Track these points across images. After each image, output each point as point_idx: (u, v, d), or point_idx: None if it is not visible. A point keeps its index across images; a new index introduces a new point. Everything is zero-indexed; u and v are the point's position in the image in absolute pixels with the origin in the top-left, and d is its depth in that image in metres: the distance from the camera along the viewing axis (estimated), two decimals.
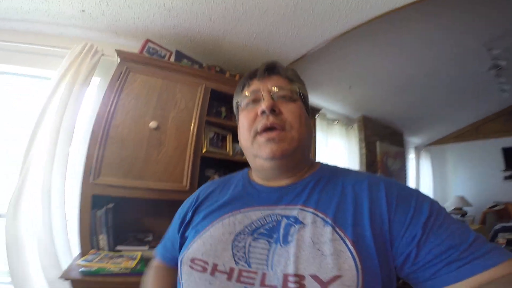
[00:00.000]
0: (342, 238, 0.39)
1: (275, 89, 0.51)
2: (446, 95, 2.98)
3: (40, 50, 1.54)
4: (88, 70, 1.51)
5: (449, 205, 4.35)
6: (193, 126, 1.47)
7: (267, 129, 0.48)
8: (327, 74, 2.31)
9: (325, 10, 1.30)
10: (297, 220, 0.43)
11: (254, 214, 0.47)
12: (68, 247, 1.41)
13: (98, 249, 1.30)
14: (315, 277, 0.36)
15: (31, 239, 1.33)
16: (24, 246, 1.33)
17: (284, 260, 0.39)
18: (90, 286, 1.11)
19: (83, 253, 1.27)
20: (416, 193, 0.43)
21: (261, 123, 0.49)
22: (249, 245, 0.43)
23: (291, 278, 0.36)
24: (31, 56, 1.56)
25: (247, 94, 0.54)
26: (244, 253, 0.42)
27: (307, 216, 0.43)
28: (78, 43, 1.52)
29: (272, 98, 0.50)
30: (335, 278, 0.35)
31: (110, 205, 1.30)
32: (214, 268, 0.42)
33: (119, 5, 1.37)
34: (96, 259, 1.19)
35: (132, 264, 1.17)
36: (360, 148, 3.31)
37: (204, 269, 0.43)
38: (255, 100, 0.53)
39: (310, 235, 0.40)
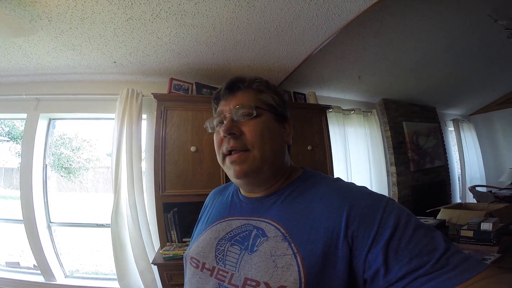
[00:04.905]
0: (294, 253, 0.43)
1: (236, 109, 0.52)
2: (472, 64, 2.86)
3: (97, 98, 2.04)
4: (137, 110, 1.97)
5: (504, 179, 3.97)
6: None
7: (231, 151, 0.51)
8: (334, 70, 2.45)
9: (302, 26, 1.52)
10: (263, 233, 0.48)
11: (234, 223, 0.54)
12: (151, 242, 1.94)
13: (171, 241, 1.80)
14: (267, 284, 0.41)
15: (127, 240, 1.87)
16: (125, 246, 1.87)
17: (248, 266, 0.45)
18: (169, 267, 1.61)
19: (162, 245, 1.78)
20: (384, 205, 0.42)
21: (224, 146, 0.52)
22: (227, 249, 0.50)
23: (249, 282, 0.43)
24: (92, 103, 2.07)
25: (215, 116, 0.56)
26: (223, 255, 0.49)
27: (271, 230, 0.48)
28: (120, 87, 1.95)
29: (232, 119, 0.52)
30: (281, 287, 0.41)
31: (175, 209, 1.81)
32: (203, 266, 0.51)
33: (140, 55, 1.75)
34: (171, 249, 1.68)
35: None
36: (385, 132, 3.36)
37: (197, 266, 0.52)
38: (221, 122, 0.54)
39: (270, 248, 0.45)
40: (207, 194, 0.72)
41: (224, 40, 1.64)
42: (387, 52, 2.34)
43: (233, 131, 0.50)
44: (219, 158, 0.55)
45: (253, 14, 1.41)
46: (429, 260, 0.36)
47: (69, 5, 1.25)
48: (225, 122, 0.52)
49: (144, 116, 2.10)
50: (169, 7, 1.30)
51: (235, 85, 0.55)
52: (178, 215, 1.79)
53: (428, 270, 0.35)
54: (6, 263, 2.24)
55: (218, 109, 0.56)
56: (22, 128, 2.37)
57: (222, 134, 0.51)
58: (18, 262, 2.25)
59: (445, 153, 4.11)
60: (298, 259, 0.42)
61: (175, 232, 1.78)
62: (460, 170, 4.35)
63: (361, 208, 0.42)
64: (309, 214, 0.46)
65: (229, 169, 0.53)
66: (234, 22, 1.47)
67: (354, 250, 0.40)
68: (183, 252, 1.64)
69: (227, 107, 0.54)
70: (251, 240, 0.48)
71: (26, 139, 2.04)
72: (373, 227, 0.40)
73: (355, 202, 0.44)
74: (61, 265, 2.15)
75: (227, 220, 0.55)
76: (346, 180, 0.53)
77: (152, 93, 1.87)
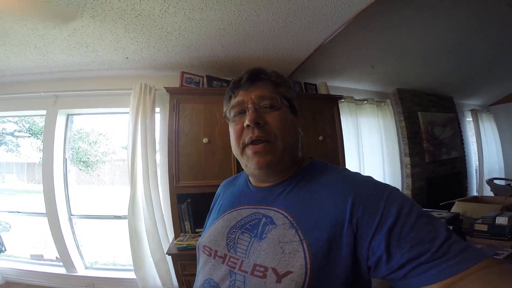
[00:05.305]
0: (301, 240, 0.44)
1: (259, 99, 0.53)
2: (491, 53, 2.69)
3: (111, 93, 2.09)
4: (151, 103, 2.01)
5: None
6: None
7: (253, 141, 0.52)
8: (346, 60, 2.39)
9: (311, 17, 1.50)
10: (271, 221, 0.49)
11: (245, 212, 0.55)
12: (165, 233, 2.01)
13: (185, 232, 1.85)
14: (274, 270, 0.43)
15: (143, 231, 1.93)
16: (141, 237, 1.94)
17: (257, 252, 0.47)
18: (183, 257, 1.66)
19: (176, 236, 1.84)
20: (387, 194, 0.43)
21: (248, 136, 0.52)
22: (238, 237, 0.52)
23: (258, 268, 0.45)
24: (107, 98, 2.13)
25: (233, 105, 0.56)
26: (234, 243, 0.51)
27: (279, 218, 0.49)
28: (134, 82, 1.99)
29: (256, 109, 0.52)
30: (288, 273, 0.42)
31: (189, 200, 1.86)
32: (215, 253, 0.53)
33: (151, 50, 1.79)
34: (185, 239, 1.74)
35: None
36: (399, 122, 3.26)
37: (210, 254, 0.54)
38: (241, 111, 0.54)
39: (278, 235, 0.47)
40: (219, 185, 0.74)
41: (232, 32, 1.63)
42: (401, 41, 2.25)
43: (258, 120, 0.51)
44: (237, 149, 0.55)
45: (260, 6, 1.39)
46: (430, 248, 0.36)
47: (79, 4, 1.27)
48: (248, 112, 0.52)
49: (157, 109, 2.14)
50: (177, 2, 1.31)
51: (257, 75, 0.56)
52: (191, 206, 1.84)
53: (428, 258, 0.36)
54: (31, 255, 2.35)
55: (236, 99, 0.56)
56: (41, 124, 2.48)
57: (247, 123, 0.51)
58: (42, 255, 2.36)
59: (462, 144, 3.95)
60: (305, 245, 0.44)
61: (188, 223, 1.83)
62: (478, 162, 4.18)
63: (365, 197, 0.44)
64: (315, 202, 0.48)
65: (250, 159, 0.53)
66: (242, 15, 1.46)
67: (358, 237, 0.42)
68: (196, 242, 1.70)
69: (248, 97, 0.54)
70: (260, 227, 0.50)
71: (47, 135, 2.14)
72: (377, 215, 0.41)
73: (359, 191, 0.45)
74: (82, 257, 2.24)
75: (237, 210, 0.57)
76: (358, 171, 0.54)
77: (164, 87, 1.90)
